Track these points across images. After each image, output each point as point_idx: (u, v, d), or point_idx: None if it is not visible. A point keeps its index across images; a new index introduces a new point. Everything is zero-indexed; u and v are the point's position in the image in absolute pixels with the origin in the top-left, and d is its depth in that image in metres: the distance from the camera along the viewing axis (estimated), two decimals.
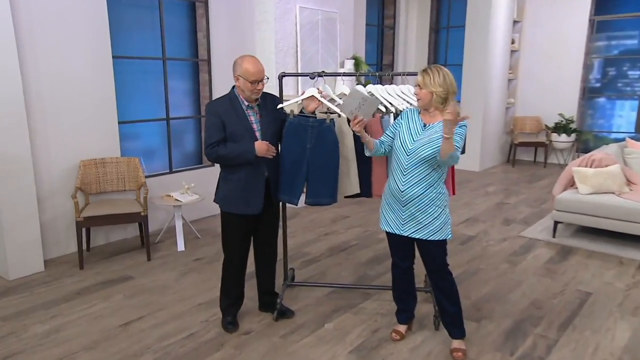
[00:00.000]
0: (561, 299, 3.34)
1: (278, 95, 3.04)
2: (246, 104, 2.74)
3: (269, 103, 2.82)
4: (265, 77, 2.69)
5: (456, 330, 2.67)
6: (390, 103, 2.97)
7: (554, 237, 4.53)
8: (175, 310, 3.17)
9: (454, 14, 8.29)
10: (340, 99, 3.00)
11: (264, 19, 5.22)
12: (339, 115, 2.89)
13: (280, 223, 3.15)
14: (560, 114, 7.82)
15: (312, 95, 2.84)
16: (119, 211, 3.88)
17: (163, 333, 2.89)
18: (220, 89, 5.02)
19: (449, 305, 2.62)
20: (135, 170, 4.25)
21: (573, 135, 7.73)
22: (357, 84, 3.48)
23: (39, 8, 3.70)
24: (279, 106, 2.82)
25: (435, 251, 2.54)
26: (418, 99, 2.45)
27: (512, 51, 8.08)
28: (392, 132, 2.59)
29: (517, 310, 3.17)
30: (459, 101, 7.59)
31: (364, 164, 2.98)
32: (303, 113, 2.89)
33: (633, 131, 7.60)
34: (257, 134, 2.75)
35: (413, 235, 2.51)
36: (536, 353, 2.70)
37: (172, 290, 3.45)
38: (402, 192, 2.45)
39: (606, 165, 4.48)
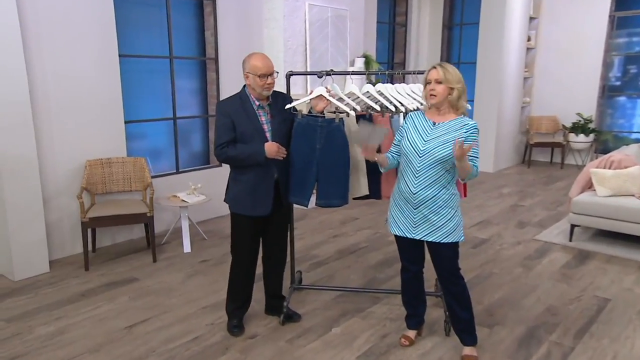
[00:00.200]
0: (578, 305, 3.29)
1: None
2: (257, 103, 2.73)
3: (280, 103, 2.81)
4: (275, 72, 2.68)
5: (468, 336, 2.64)
6: (400, 102, 2.95)
7: (570, 240, 4.47)
8: (180, 312, 3.18)
9: (467, 10, 8.23)
10: (349, 97, 2.99)
11: (272, 17, 5.23)
12: (348, 115, 2.88)
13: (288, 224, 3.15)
14: (578, 114, 7.72)
15: (321, 95, 2.83)
16: (124, 212, 3.91)
17: (168, 336, 2.90)
18: (228, 87, 5.04)
19: (460, 311, 2.59)
20: (142, 170, 4.28)
21: (591, 136, 7.63)
22: (367, 83, 3.47)
23: (45, 7, 3.74)
24: (287, 106, 2.81)
25: (447, 254, 2.52)
26: (433, 95, 2.39)
27: (528, 49, 8.00)
28: (399, 139, 2.56)
29: (532, 317, 3.13)
30: (472, 101, 7.53)
31: (373, 165, 2.96)
32: (311, 113, 2.88)
33: None
34: (268, 134, 2.75)
35: (426, 238, 2.49)
36: None
37: (177, 293, 3.47)
38: (414, 194, 2.43)
39: (626, 167, 4.41)
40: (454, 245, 2.52)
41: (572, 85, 7.84)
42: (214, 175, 4.98)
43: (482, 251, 4.29)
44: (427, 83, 2.41)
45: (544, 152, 8.33)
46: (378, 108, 3.04)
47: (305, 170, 2.86)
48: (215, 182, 4.68)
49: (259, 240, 2.92)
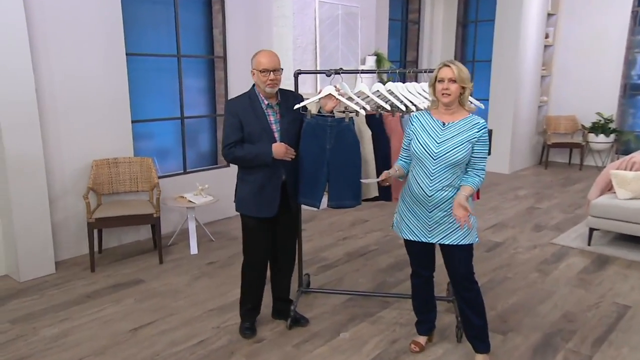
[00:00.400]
0: (596, 312, 3.24)
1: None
2: (266, 102, 2.73)
3: (290, 102, 2.81)
4: (280, 69, 2.67)
5: (481, 344, 2.61)
6: (411, 102, 2.93)
7: (589, 245, 4.41)
8: (186, 315, 3.19)
9: (482, 6, 8.16)
10: (359, 97, 2.98)
11: (281, 14, 5.24)
12: (357, 114, 2.87)
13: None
14: (598, 113, 7.62)
15: (330, 94, 2.82)
16: (130, 212, 3.94)
17: (173, 339, 2.91)
18: (236, 86, 5.06)
19: (473, 318, 2.56)
20: (149, 170, 4.31)
21: (612, 136, 7.52)
22: (378, 82, 3.46)
23: (51, 6, 3.78)
24: (296, 107, 2.81)
25: (463, 257, 2.49)
26: (447, 94, 2.36)
27: (546, 46, 7.91)
28: (408, 143, 2.53)
29: (547, 323, 3.09)
30: (486, 100, 7.47)
31: (383, 166, 2.94)
32: (321, 113, 2.87)
33: None
34: (276, 134, 2.74)
35: (442, 242, 2.47)
36: None
37: (183, 295, 3.48)
38: (429, 196, 2.41)
39: None
40: (470, 248, 2.50)
41: (591, 84, 7.74)
42: (221, 176, 5.00)
43: (497, 255, 4.25)
44: (438, 81, 2.37)
45: (562, 152, 8.23)
46: (388, 107, 3.03)
47: (316, 171, 2.85)
48: (223, 182, 4.70)
49: (269, 242, 2.91)
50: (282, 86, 2.78)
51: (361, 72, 3.19)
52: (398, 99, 2.99)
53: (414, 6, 8.04)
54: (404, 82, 3.07)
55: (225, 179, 4.77)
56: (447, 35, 8.42)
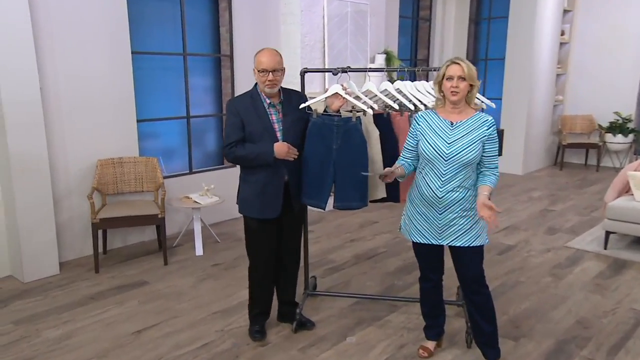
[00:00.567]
0: (612, 318, 3.19)
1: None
2: (268, 101, 2.73)
3: (294, 101, 2.80)
4: (280, 70, 2.65)
5: (490, 350, 2.59)
6: (420, 100, 2.91)
7: (605, 248, 4.36)
8: (190, 318, 3.20)
9: (495, 3, 8.10)
10: (366, 95, 2.97)
11: (289, 11, 5.24)
12: (365, 113, 2.86)
13: (302, 228, 3.14)
14: (616, 112, 7.53)
15: (336, 93, 2.81)
16: (135, 213, 3.96)
17: (177, 342, 2.92)
18: (242, 85, 5.06)
19: (483, 324, 2.54)
20: (154, 170, 4.33)
21: (630, 136, 7.43)
22: (387, 80, 3.44)
23: (56, 4, 3.81)
24: (301, 106, 2.80)
25: (474, 259, 2.48)
26: (456, 93, 2.34)
27: (562, 43, 7.84)
28: (413, 143, 2.50)
29: (561, 330, 3.05)
30: (499, 99, 7.41)
31: (391, 166, 2.92)
32: (327, 112, 2.86)
33: None
34: (278, 134, 2.74)
35: (453, 243, 2.45)
36: None
37: (188, 297, 3.49)
38: (440, 198, 2.39)
39: None
40: (481, 249, 2.49)
41: (609, 82, 7.65)
42: (227, 176, 5.01)
43: (509, 258, 4.21)
44: (446, 79, 2.35)
45: (578, 153, 8.15)
46: (397, 107, 3.01)
47: (322, 171, 2.84)
48: (229, 183, 4.69)
49: (273, 243, 2.91)
50: (289, 85, 2.78)
51: (369, 71, 3.18)
52: (407, 97, 2.97)
53: (425, 3, 8.00)
54: (413, 81, 3.05)
55: (231, 179, 4.75)
56: (459, 33, 8.36)
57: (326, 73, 5.36)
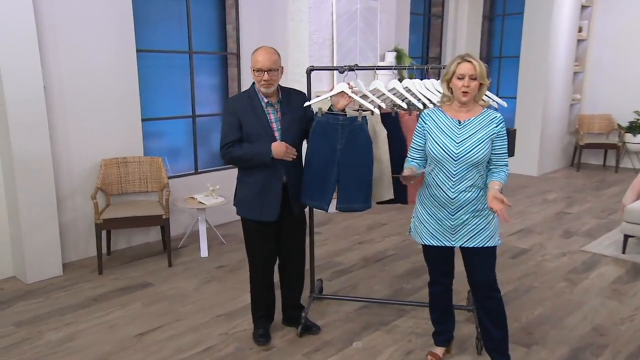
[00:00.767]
0: (630, 325, 3.14)
1: (306, 92, 3.01)
2: (265, 100, 2.73)
3: (293, 101, 2.79)
4: (277, 69, 2.63)
5: (500, 357, 2.56)
6: (429, 99, 2.89)
7: (623, 253, 4.30)
8: (193, 321, 3.21)
9: None
10: (374, 94, 2.95)
11: (297, 8, 5.25)
12: (372, 113, 2.84)
13: (308, 230, 3.13)
14: (636, 112, 7.43)
15: (342, 91, 2.80)
16: (139, 213, 3.98)
17: (180, 345, 2.93)
18: (249, 84, 5.03)
19: (493, 330, 2.52)
20: (159, 170, 4.35)
21: None
22: (397, 79, 3.42)
23: (60, 1, 3.84)
24: (306, 104, 2.80)
25: (487, 261, 2.46)
26: (466, 93, 2.31)
27: (579, 40, 7.75)
28: (421, 142, 2.48)
29: (576, 337, 3.01)
30: (514, 98, 7.34)
31: (399, 167, 2.90)
32: (332, 111, 2.85)
33: None
34: (276, 134, 2.73)
35: (466, 245, 2.43)
36: None
37: (191, 300, 3.51)
38: (452, 199, 2.38)
39: None
40: (493, 251, 2.47)
41: (629, 81, 7.55)
42: (233, 177, 4.89)
43: (522, 262, 4.17)
44: (457, 77, 2.32)
45: (596, 154, 8.05)
46: (405, 106, 2.99)
47: (325, 171, 2.83)
48: (235, 183, 4.71)
49: (272, 246, 2.90)
50: (297, 83, 2.77)
51: (377, 69, 3.16)
52: (415, 96, 2.95)
53: None
54: (422, 80, 3.03)
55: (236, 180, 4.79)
56: (472, 30, 8.31)
57: (334, 71, 5.35)
